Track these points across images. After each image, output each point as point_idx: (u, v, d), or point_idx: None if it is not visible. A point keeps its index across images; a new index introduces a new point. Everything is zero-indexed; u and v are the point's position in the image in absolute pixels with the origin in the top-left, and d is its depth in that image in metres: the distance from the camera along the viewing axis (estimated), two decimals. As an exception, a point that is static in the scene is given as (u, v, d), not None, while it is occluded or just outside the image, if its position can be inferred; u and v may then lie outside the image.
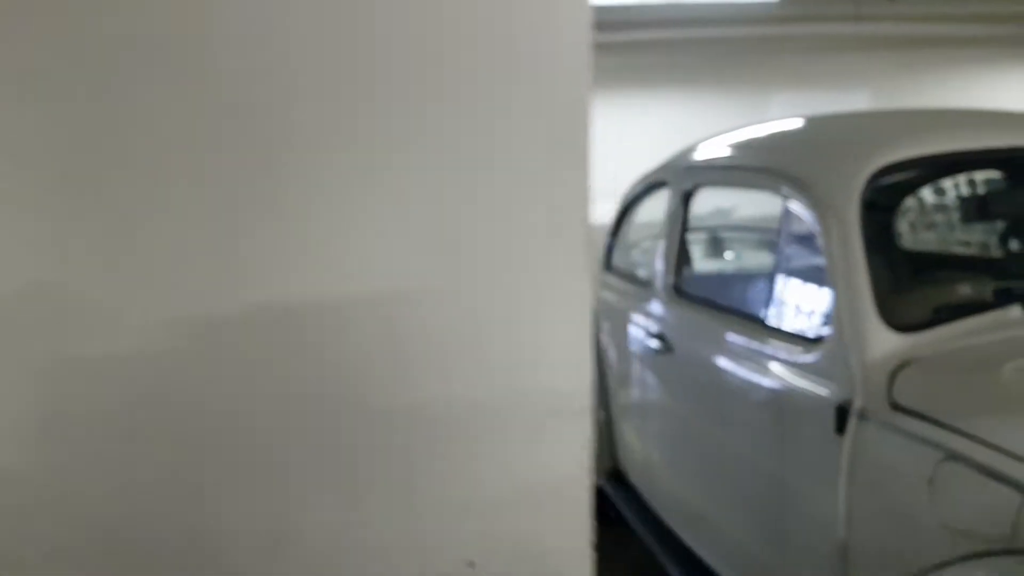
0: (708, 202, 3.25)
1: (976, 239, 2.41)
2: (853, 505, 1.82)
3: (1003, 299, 1.94)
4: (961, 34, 6.75)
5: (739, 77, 6.64)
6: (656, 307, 2.83)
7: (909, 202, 2.58)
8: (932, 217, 2.55)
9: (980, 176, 2.28)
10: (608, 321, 3.38)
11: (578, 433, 1.19)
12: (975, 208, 2.23)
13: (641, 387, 2.99)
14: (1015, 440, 1.50)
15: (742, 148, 2.54)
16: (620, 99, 6.56)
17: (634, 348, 3.01)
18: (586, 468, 1.20)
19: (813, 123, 2.46)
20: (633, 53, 6.50)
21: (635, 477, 3.14)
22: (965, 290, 1.90)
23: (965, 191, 2.30)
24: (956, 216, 2.37)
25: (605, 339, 3.42)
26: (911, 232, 2.62)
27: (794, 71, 6.71)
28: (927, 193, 2.54)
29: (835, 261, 1.94)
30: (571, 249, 1.15)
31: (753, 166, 2.40)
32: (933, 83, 6.83)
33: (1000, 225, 2.34)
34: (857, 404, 1.81)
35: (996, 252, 2.40)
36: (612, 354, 3.30)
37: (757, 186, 2.34)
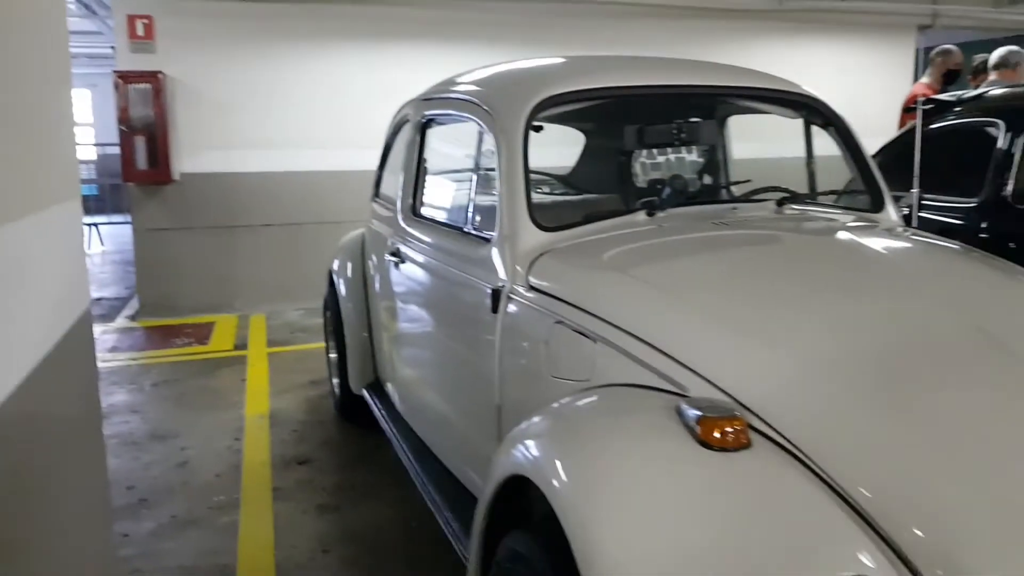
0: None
1: (628, 159, 2.85)
2: (504, 372, 2.21)
3: (646, 206, 2.38)
4: (756, 6, 7.48)
5: (545, 38, 7.01)
6: (397, 227, 3.15)
7: (568, 127, 3.02)
8: (591, 140, 3.00)
9: (634, 108, 2.72)
10: (374, 251, 3.67)
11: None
12: (628, 134, 2.65)
13: (387, 301, 3.32)
14: (594, 304, 1.91)
15: (460, 84, 2.87)
16: (436, 51, 6.78)
17: (384, 267, 3.33)
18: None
19: (518, 65, 2.82)
20: (448, 7, 6.77)
21: (388, 384, 3.48)
22: (598, 199, 2.32)
23: (618, 121, 2.73)
24: (613, 140, 2.78)
25: (371, 268, 3.71)
26: (576, 152, 3.05)
27: (601, 35, 7.15)
28: (586, 120, 2.98)
29: (503, 175, 2.30)
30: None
31: (462, 98, 2.74)
32: (729, 51, 7.45)
33: (649, 149, 2.81)
34: (506, 288, 2.20)
35: (641, 171, 2.87)
36: (376, 280, 3.59)
37: (466, 114, 2.68)
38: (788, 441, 1.46)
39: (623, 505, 1.36)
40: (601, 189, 3.10)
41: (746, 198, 2.54)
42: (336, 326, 3.95)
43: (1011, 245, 3.68)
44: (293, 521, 3.10)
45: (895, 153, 4.48)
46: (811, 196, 2.64)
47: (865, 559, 1.25)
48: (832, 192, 2.68)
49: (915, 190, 2.87)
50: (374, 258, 3.64)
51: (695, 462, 1.39)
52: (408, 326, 3.09)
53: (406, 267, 2.99)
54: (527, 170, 2.28)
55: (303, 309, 6.48)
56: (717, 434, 1.40)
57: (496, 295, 2.22)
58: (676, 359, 1.67)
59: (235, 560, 2.83)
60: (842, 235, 2.25)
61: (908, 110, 4.52)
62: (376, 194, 3.85)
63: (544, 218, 2.26)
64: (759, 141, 3.89)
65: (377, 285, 3.52)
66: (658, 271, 1.97)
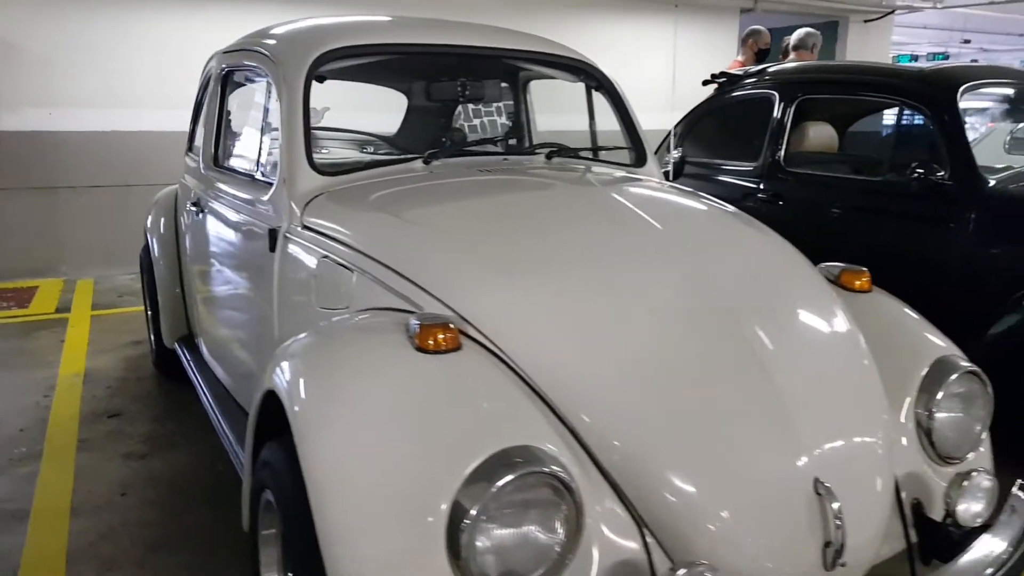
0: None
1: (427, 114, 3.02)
2: (281, 307, 2.35)
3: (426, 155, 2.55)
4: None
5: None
6: (200, 177, 3.20)
7: (359, 82, 3.18)
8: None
9: (421, 66, 2.89)
10: (184, 205, 3.69)
11: None
12: (415, 90, 2.83)
13: (193, 251, 3.37)
14: (353, 238, 2.08)
15: (256, 37, 2.94)
16: (265, 11, 6.67)
17: (189, 219, 3.37)
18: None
19: (315, 21, 2.92)
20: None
21: (198, 336, 3.53)
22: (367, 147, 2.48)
23: (408, 78, 2.91)
24: (405, 97, 2.96)
25: (182, 223, 3.72)
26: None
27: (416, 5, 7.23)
28: (378, 76, 3.14)
29: (284, 121, 2.42)
30: None
31: (254, 50, 2.82)
32: (562, 30, 7.74)
33: (435, 104, 3.00)
34: (283, 227, 2.33)
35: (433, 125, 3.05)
36: (185, 233, 3.61)
37: (257, 65, 2.77)
38: (496, 347, 1.68)
39: (341, 406, 1.53)
40: (407, 143, 3.25)
41: (521, 151, 2.77)
42: (151, 282, 3.94)
43: (780, 203, 4.13)
44: (96, 469, 3.12)
45: (691, 122, 4.90)
46: (578, 151, 2.89)
47: (545, 437, 1.46)
48: (600, 148, 2.95)
49: (674, 152, 3.18)
50: (185, 212, 3.66)
51: (409, 364, 1.58)
52: (208, 274, 3.16)
53: (205, 216, 3.06)
54: (307, 117, 2.41)
55: (134, 273, 6.26)
56: (431, 340, 1.60)
57: (273, 234, 2.35)
58: (415, 283, 1.86)
59: (30, 505, 2.84)
60: (589, 180, 2.50)
61: (706, 83, 4.91)
62: (189, 148, 3.86)
63: (326, 164, 2.40)
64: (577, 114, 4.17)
65: (187, 238, 3.55)
66: (412, 208, 2.15)
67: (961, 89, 3.53)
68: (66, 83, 6.29)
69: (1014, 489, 1.96)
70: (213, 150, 3.11)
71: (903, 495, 1.81)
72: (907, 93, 3.68)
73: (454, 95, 2.81)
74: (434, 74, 2.82)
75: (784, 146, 4.19)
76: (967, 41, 14.22)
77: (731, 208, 2.45)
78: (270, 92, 2.63)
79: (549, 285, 1.80)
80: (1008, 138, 5.09)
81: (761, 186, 4.23)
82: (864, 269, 2.24)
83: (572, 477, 1.41)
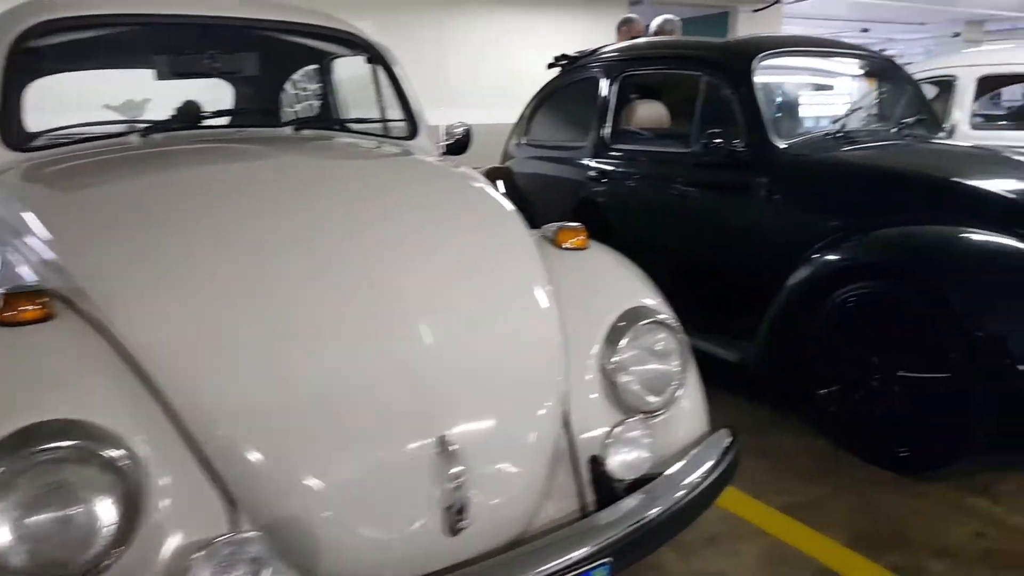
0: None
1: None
2: None
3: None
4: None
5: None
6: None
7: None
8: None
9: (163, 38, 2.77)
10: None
11: None
12: (159, 64, 2.72)
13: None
14: (9, 215, 1.97)
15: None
16: None
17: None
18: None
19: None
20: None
21: None
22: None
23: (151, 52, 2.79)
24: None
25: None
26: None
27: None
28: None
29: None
30: None
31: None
32: (432, 21, 7.67)
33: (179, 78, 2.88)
34: None
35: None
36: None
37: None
38: (106, 320, 1.52)
39: None
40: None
41: (276, 124, 2.70)
42: None
43: (604, 180, 4.12)
44: None
45: (536, 105, 4.88)
46: (341, 122, 2.82)
47: (112, 411, 1.38)
48: (358, 120, 2.89)
49: (458, 128, 3.14)
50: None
51: None
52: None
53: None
54: (8, 91, 2.30)
55: None
56: (11, 312, 1.48)
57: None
58: (41, 256, 1.77)
59: None
60: (306, 149, 2.41)
61: (550, 66, 4.89)
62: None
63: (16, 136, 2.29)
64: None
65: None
66: (71, 182, 2.07)
67: (756, 58, 3.56)
68: None
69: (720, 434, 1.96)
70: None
71: (579, 453, 1.73)
72: (709, 64, 3.69)
73: (202, 69, 2.71)
74: (175, 49, 2.70)
75: (610, 124, 4.18)
76: (865, 30, 14.45)
77: (457, 174, 2.35)
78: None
79: (173, 259, 1.65)
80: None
81: (590, 164, 4.22)
82: (580, 226, 2.18)
83: (134, 456, 1.32)
